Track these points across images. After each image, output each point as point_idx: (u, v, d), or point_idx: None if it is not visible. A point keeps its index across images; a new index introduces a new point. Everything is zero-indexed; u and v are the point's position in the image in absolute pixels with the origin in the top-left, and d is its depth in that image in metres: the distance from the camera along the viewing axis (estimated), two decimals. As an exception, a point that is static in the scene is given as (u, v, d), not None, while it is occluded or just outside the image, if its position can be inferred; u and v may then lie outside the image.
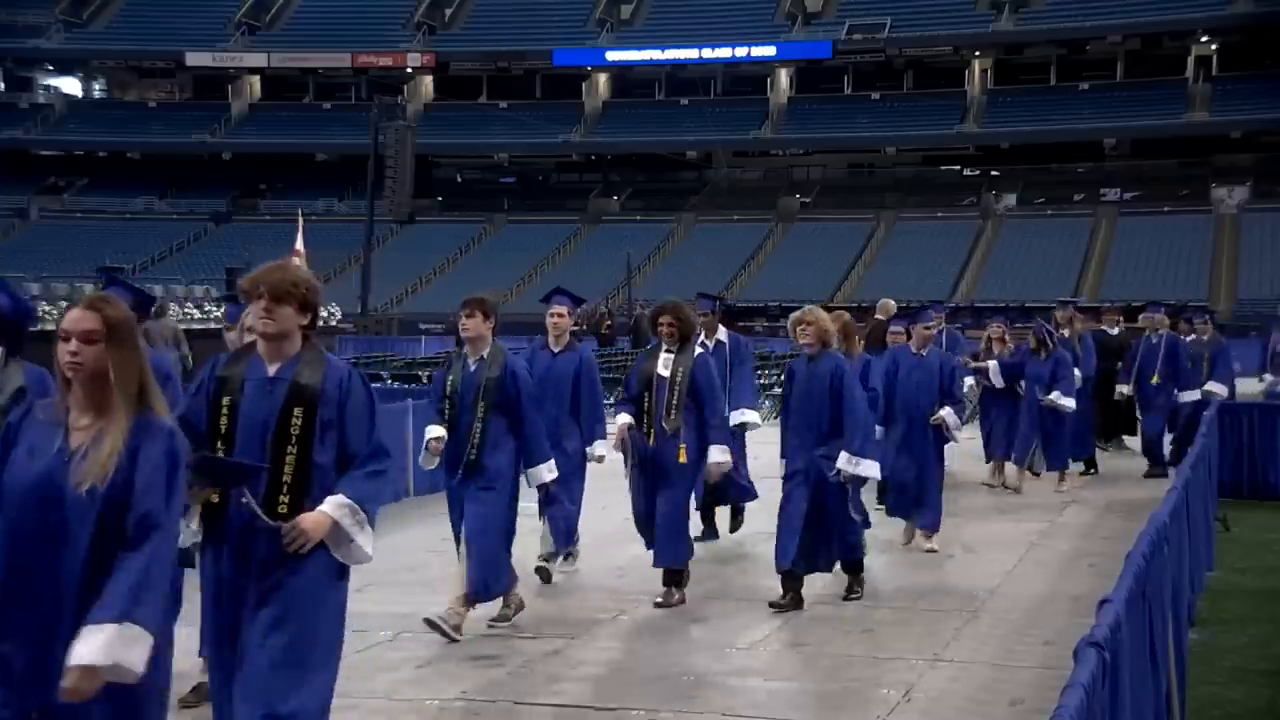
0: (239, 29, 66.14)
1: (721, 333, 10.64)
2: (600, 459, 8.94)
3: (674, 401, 8.25)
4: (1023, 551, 10.20)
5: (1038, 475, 13.51)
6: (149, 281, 38.06)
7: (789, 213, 60.04)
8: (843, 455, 8.10)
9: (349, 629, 7.40)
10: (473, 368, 7.55)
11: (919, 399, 10.29)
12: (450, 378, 7.63)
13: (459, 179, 66.95)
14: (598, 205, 63.27)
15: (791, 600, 8.18)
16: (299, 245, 35.49)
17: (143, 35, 65.06)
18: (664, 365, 8.34)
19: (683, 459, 8.25)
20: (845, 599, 8.40)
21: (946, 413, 10.21)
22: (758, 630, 7.75)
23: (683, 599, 8.32)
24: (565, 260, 57.28)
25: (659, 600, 8.24)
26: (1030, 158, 59.23)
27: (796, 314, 8.44)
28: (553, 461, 7.71)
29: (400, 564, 8.22)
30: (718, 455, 8.30)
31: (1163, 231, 52.06)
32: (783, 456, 8.51)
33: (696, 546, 9.04)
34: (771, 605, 8.09)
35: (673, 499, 8.33)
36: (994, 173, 60.68)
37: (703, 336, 10.39)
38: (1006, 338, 13.85)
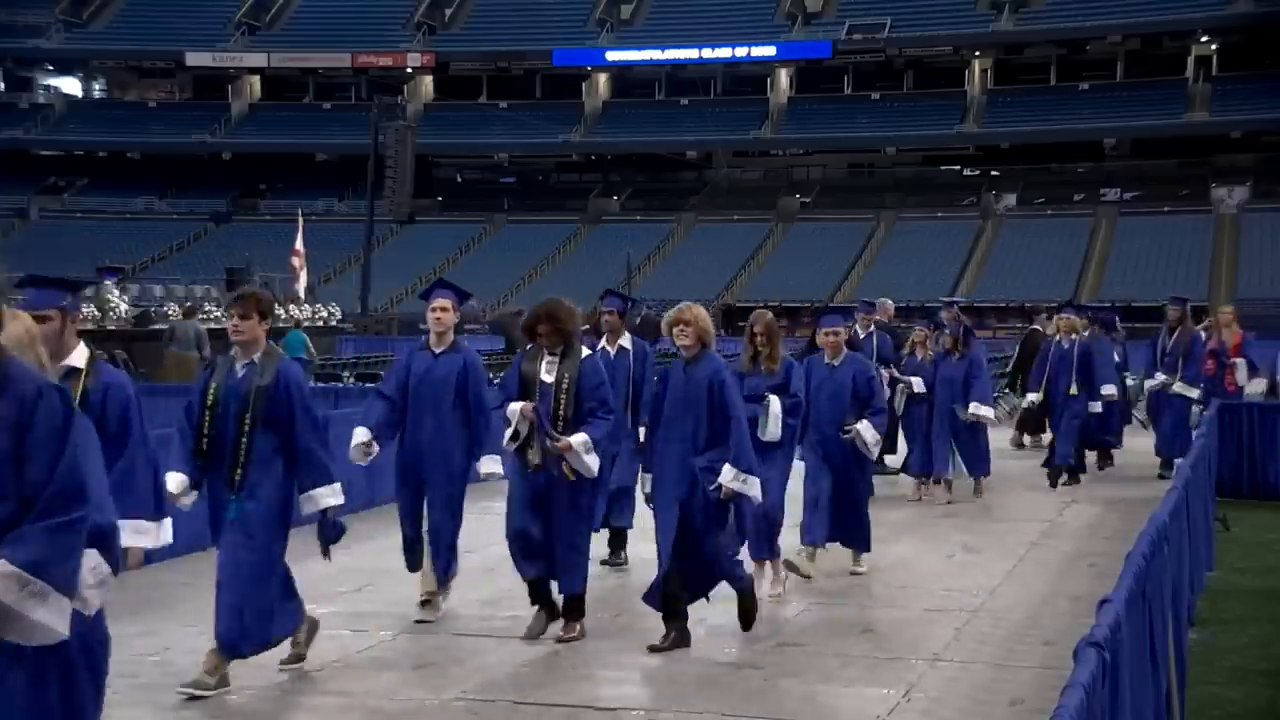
0: (239, 29, 66.13)
1: (626, 339, 9.44)
2: (489, 477, 7.95)
3: (561, 412, 7.28)
4: (1023, 551, 10.20)
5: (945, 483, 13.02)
6: (149, 282, 38.08)
7: (789, 213, 60.04)
8: (727, 469, 7.19)
9: (348, 630, 7.46)
10: (240, 374, 6.50)
11: (831, 415, 9.22)
12: (213, 384, 6.53)
13: (459, 179, 66.94)
14: (598, 205, 63.26)
15: (676, 638, 7.29)
16: (299, 245, 35.64)
17: (143, 35, 65.04)
18: (547, 370, 7.36)
19: (571, 476, 7.26)
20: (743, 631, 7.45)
21: (863, 426, 9.10)
22: (757, 631, 7.73)
23: (583, 632, 7.45)
24: (565, 260, 57.27)
25: (559, 635, 7.37)
26: (1030, 158, 59.22)
27: (672, 313, 7.48)
28: (339, 486, 6.54)
29: (399, 564, 8.21)
30: (578, 438, 7.23)
31: (1163, 231, 52.06)
32: (645, 470, 7.64)
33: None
34: (651, 649, 7.21)
35: (576, 518, 7.40)
36: (994, 173, 60.67)
37: (603, 342, 9.43)
38: (929, 342, 12.99)
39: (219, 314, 37.43)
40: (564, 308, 7.46)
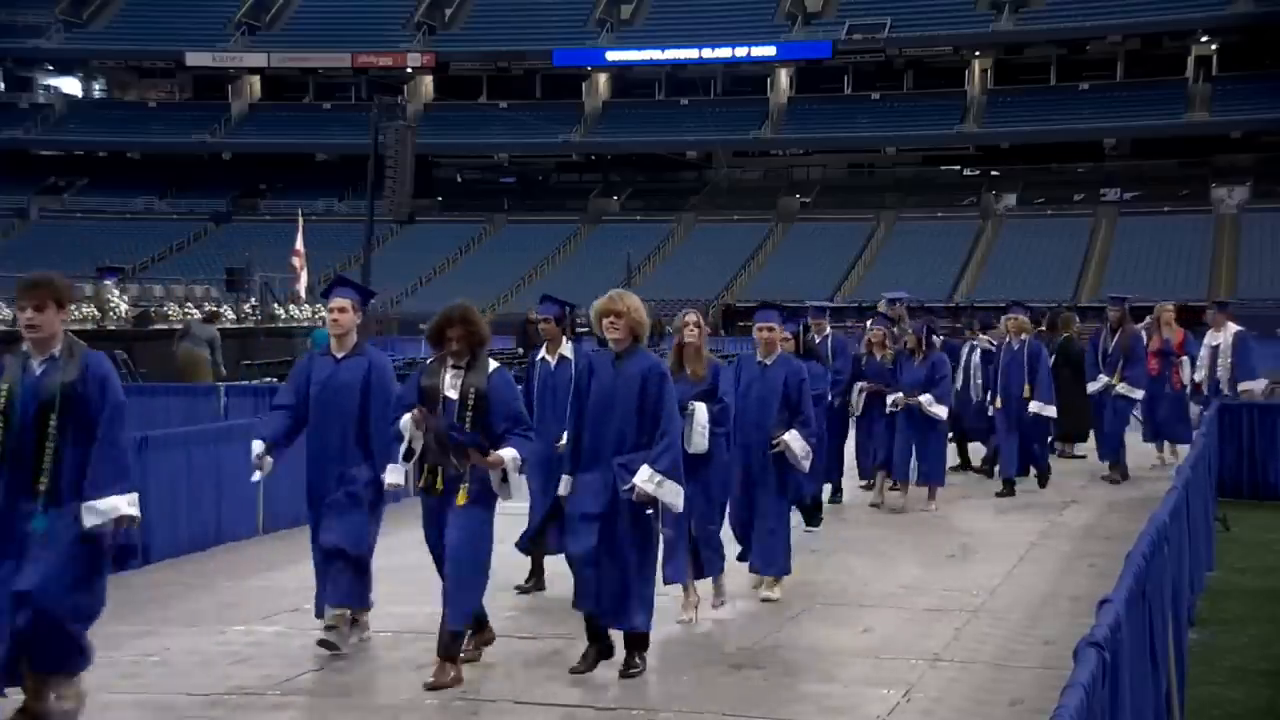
0: (239, 29, 66.16)
1: (567, 347, 8.56)
2: (394, 486, 7.15)
3: (466, 429, 6.57)
4: (1023, 551, 10.20)
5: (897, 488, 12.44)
6: (149, 281, 38.07)
7: (789, 213, 60.05)
8: (644, 469, 6.54)
9: (348, 629, 7.44)
10: (38, 371, 5.73)
11: (759, 419, 8.41)
12: (5, 385, 5.73)
13: (459, 179, 66.96)
14: (598, 205, 63.28)
15: (594, 656, 6.78)
16: (299, 245, 35.62)
17: (143, 35, 65.08)
18: (451, 384, 6.61)
19: (462, 499, 6.54)
20: (624, 675, 6.70)
21: (791, 437, 8.31)
22: (757, 630, 7.75)
23: (459, 678, 6.58)
24: (565, 260, 57.29)
25: (429, 682, 6.51)
26: (1030, 158, 59.25)
27: (601, 303, 6.77)
28: (134, 497, 5.67)
29: (399, 564, 8.22)
30: (509, 452, 6.53)
31: (1163, 231, 52.07)
32: (569, 472, 6.90)
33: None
34: (572, 670, 6.74)
35: (470, 545, 6.59)
36: (994, 173, 60.70)
37: (543, 351, 8.69)
38: (888, 342, 12.35)
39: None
40: (477, 312, 6.78)
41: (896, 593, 8.78)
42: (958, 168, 62.25)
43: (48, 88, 70.18)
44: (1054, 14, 59.06)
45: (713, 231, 58.71)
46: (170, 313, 27.46)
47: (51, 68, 69.19)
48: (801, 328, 10.18)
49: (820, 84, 63.30)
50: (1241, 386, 14.38)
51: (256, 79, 68.13)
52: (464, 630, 6.66)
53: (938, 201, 59.13)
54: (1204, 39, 58.30)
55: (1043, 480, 13.49)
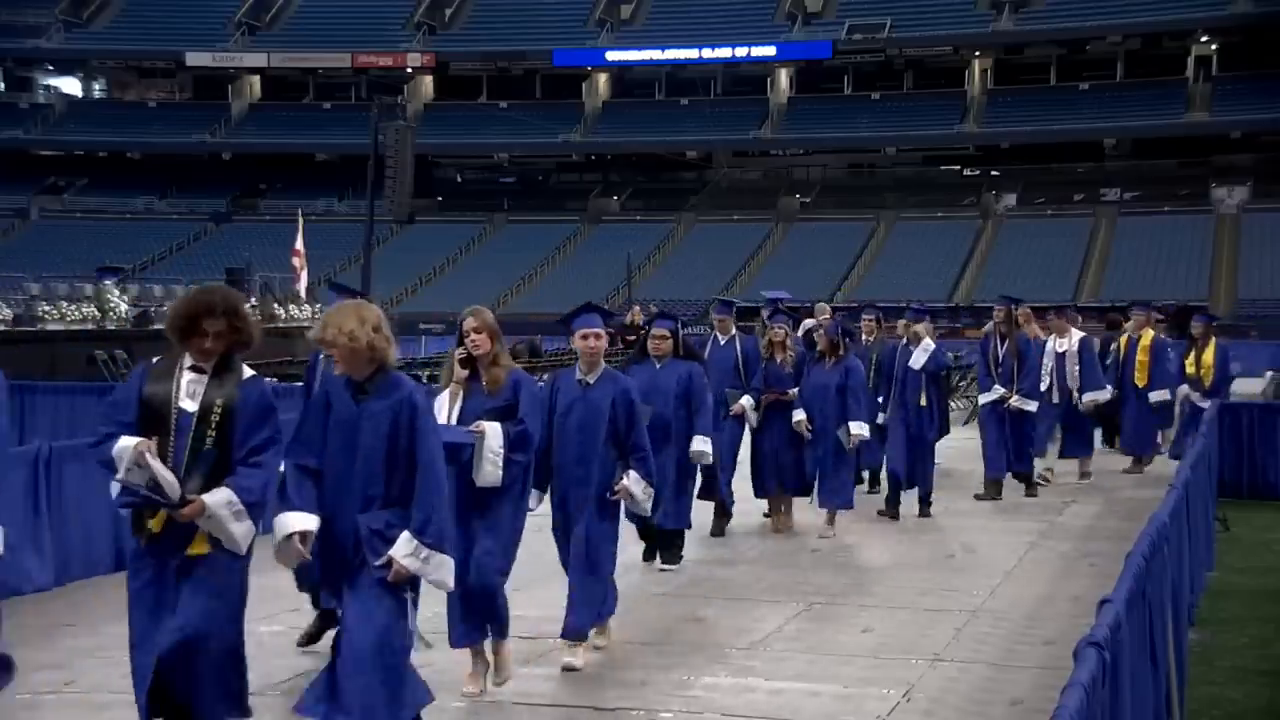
0: (239, 29, 66.16)
1: None
2: None
3: (202, 451, 4.93)
4: (1023, 551, 10.20)
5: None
6: (149, 282, 38.07)
7: (789, 213, 60.05)
8: (404, 539, 4.95)
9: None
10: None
11: (580, 453, 6.87)
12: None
13: (459, 179, 66.96)
14: (598, 205, 63.28)
15: None
16: (299, 245, 35.63)
17: (143, 35, 65.10)
18: (189, 393, 4.98)
19: (200, 549, 4.98)
20: None
21: (631, 481, 6.82)
22: (757, 631, 7.75)
23: None
24: (565, 260, 57.30)
25: None
26: (1030, 158, 59.24)
27: (315, 328, 5.13)
28: None
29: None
30: (216, 496, 4.90)
31: (1163, 231, 52.07)
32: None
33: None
34: None
35: (211, 615, 5.00)
36: (994, 173, 60.70)
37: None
38: (789, 344, 11.10)
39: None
40: (244, 303, 5.22)
41: (896, 593, 8.78)
42: (958, 168, 62.25)
43: (48, 88, 70.17)
44: (1054, 14, 59.05)
45: (713, 231, 58.70)
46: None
47: (51, 68, 69.17)
48: (679, 324, 9.35)
49: (820, 84, 63.31)
50: (1087, 398, 13.99)
51: (256, 79, 68.12)
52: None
53: (938, 201, 59.12)
54: (1204, 39, 58.30)
55: (925, 507, 12.04)
